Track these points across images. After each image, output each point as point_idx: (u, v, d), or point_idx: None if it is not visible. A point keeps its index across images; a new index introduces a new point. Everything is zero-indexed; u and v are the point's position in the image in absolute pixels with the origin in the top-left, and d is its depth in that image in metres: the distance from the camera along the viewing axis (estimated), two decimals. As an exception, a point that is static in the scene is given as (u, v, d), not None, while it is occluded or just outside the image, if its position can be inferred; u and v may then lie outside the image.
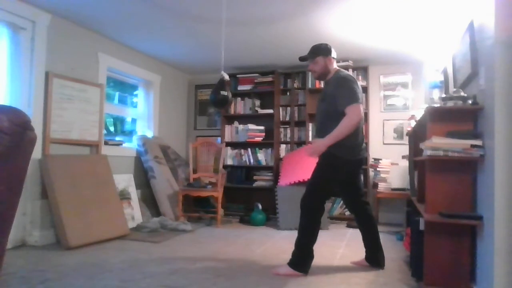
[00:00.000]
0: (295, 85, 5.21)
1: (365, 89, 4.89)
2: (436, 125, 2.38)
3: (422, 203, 2.67)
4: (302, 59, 2.86)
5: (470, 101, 2.33)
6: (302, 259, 2.62)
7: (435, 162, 2.33)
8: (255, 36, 4.01)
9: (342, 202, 4.89)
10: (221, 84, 3.49)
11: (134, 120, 5.04)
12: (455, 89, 2.56)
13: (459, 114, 2.37)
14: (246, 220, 4.68)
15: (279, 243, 3.54)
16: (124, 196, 4.19)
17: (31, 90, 3.32)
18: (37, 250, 3.13)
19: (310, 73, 4.86)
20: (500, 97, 1.99)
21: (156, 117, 5.12)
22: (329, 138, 2.55)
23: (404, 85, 4.93)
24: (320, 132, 2.72)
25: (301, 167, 4.31)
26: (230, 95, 3.53)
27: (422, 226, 2.36)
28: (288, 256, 2.68)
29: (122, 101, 5.02)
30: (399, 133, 4.89)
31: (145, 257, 3.00)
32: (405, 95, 4.92)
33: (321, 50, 2.74)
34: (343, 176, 2.71)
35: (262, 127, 5.26)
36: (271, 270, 2.64)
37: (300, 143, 5.17)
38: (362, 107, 2.56)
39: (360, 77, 4.94)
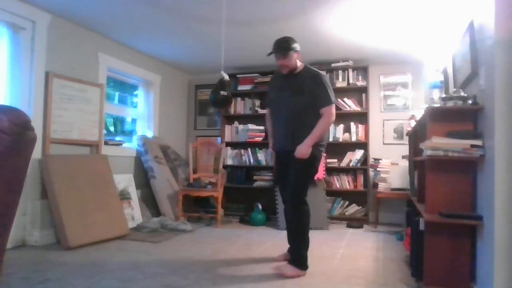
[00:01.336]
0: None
1: (365, 89, 4.90)
2: (436, 125, 2.38)
3: (422, 203, 2.67)
4: (273, 53, 2.72)
5: (470, 101, 2.33)
6: (306, 257, 2.64)
7: (435, 162, 2.33)
8: (255, 36, 4.01)
9: (342, 202, 4.90)
10: (221, 84, 3.49)
11: (134, 120, 5.04)
12: (455, 89, 2.56)
13: (459, 114, 2.37)
14: (246, 220, 4.68)
15: (279, 243, 3.53)
16: (124, 196, 4.19)
17: (31, 90, 3.32)
18: (37, 250, 3.13)
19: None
20: (500, 97, 1.99)
21: (156, 117, 5.12)
22: (311, 139, 2.62)
23: (404, 85, 4.93)
24: (295, 127, 2.69)
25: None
26: (230, 95, 3.53)
27: (422, 226, 2.37)
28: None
29: (122, 101, 5.02)
30: (399, 133, 4.89)
31: (145, 257, 3.00)
32: (405, 95, 4.92)
33: (294, 45, 2.70)
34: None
35: (262, 127, 5.26)
36: (274, 271, 2.63)
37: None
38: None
39: (360, 77, 4.94)
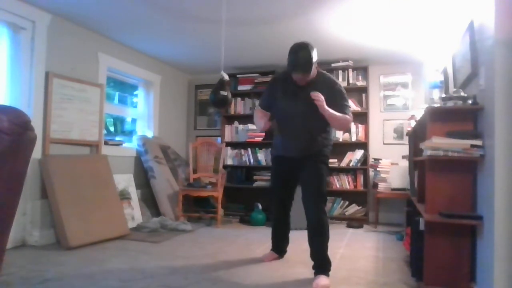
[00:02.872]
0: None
1: (365, 89, 4.90)
2: (436, 125, 2.38)
3: (422, 203, 2.67)
4: (302, 71, 2.42)
5: (470, 101, 2.33)
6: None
7: (435, 162, 2.33)
8: (255, 36, 4.01)
9: (341, 202, 4.90)
10: (221, 84, 3.48)
11: (134, 120, 5.04)
12: (455, 89, 2.56)
13: (459, 114, 2.37)
14: (246, 220, 4.68)
15: (279, 243, 3.53)
16: (124, 196, 4.19)
17: (31, 90, 3.32)
18: (37, 250, 3.13)
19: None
20: (500, 97, 1.99)
21: (156, 117, 5.12)
22: (330, 112, 2.43)
23: (404, 85, 4.93)
24: (311, 140, 2.58)
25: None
26: (230, 95, 3.52)
27: (422, 226, 2.36)
28: (287, 255, 2.68)
29: (122, 101, 5.02)
30: (399, 133, 4.89)
31: (145, 257, 3.00)
32: (405, 95, 4.92)
33: (314, 57, 2.41)
34: None
35: (262, 127, 5.26)
36: None
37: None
38: None
39: (360, 77, 4.94)
